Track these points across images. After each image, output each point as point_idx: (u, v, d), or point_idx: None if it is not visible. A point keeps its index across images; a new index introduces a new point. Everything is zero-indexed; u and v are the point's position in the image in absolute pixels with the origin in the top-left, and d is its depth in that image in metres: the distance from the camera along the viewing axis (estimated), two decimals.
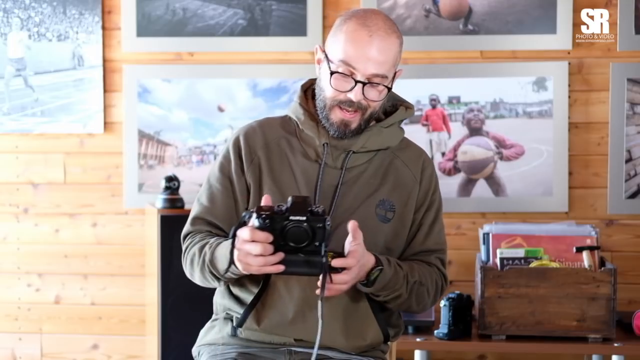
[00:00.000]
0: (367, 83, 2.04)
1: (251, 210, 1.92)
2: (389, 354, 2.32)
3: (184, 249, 2.14)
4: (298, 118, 2.15)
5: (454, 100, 3.53)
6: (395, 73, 2.11)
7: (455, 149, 3.54)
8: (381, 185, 2.13)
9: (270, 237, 1.88)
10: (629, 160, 3.47)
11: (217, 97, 3.63)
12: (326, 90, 2.07)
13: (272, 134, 2.16)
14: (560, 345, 2.96)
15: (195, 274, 2.11)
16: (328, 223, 1.88)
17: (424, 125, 3.55)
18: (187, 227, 2.16)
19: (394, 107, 2.20)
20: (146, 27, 3.63)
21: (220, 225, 2.13)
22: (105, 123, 3.68)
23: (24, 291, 3.77)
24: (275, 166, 2.12)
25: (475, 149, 3.54)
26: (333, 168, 2.12)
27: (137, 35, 3.63)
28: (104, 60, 3.67)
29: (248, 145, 2.14)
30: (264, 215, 1.88)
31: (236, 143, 2.15)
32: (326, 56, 2.08)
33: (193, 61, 3.64)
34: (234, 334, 2.12)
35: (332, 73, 2.04)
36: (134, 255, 3.68)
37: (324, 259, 1.89)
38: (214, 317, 2.21)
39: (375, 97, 2.07)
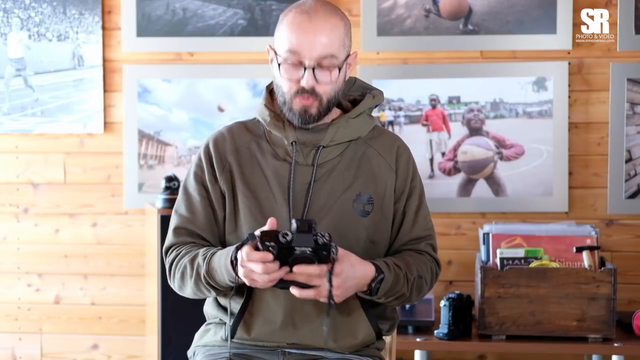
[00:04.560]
0: (316, 67, 2.04)
1: (254, 233, 1.92)
2: (388, 354, 2.32)
3: (169, 261, 2.13)
4: (264, 119, 2.14)
5: (454, 100, 3.53)
6: (348, 56, 2.10)
7: (455, 149, 3.54)
8: (356, 178, 2.11)
9: (270, 256, 1.89)
10: (629, 160, 3.47)
11: (217, 97, 3.63)
12: (283, 85, 2.07)
13: (241, 138, 2.15)
14: (560, 345, 2.96)
15: (186, 287, 2.10)
16: (334, 251, 1.89)
17: (424, 125, 3.55)
18: (170, 239, 2.15)
19: (363, 95, 2.19)
20: (146, 27, 3.63)
21: (203, 235, 2.13)
22: (105, 123, 3.68)
23: (24, 291, 3.77)
24: (246, 170, 2.11)
25: (475, 149, 3.54)
26: (304, 165, 2.10)
27: (137, 35, 3.63)
28: (104, 60, 3.67)
29: (218, 152, 2.13)
30: (270, 248, 1.88)
31: (207, 151, 2.15)
32: (274, 52, 2.08)
33: (193, 61, 3.64)
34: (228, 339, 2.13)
35: (279, 64, 2.05)
36: (134, 255, 3.68)
37: (328, 284, 1.91)
38: (208, 321, 2.22)
39: (328, 79, 2.06)
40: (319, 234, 1.89)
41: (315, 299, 1.95)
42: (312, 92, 2.05)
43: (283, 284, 1.93)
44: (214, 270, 2.02)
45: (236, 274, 1.95)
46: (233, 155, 2.13)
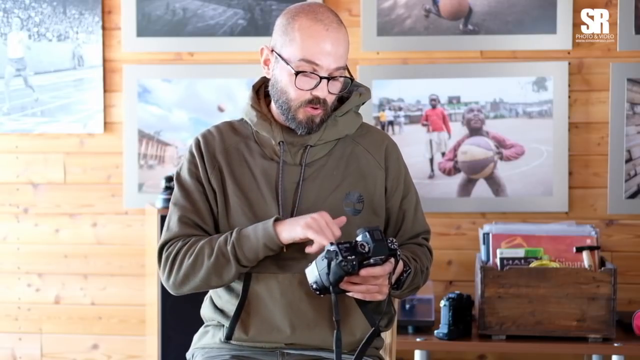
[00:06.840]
0: (331, 78, 2.04)
1: (334, 242, 1.95)
2: (388, 354, 2.32)
3: (174, 251, 2.08)
4: (251, 120, 2.15)
5: (454, 100, 3.53)
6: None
7: (455, 149, 3.54)
8: (345, 177, 2.12)
9: (344, 219, 2.02)
10: (629, 160, 3.47)
11: (217, 97, 3.63)
12: (289, 92, 2.06)
13: (229, 139, 2.16)
14: (560, 345, 2.96)
15: (197, 273, 2.05)
16: (399, 254, 1.97)
17: (424, 125, 3.55)
18: (173, 230, 2.11)
19: (350, 93, 2.18)
20: (146, 27, 3.63)
21: (206, 228, 2.11)
22: (105, 123, 3.68)
23: (24, 291, 3.77)
24: (236, 170, 2.12)
25: (475, 149, 3.54)
26: (292, 165, 2.11)
27: (137, 35, 3.63)
28: (104, 60, 3.67)
29: (209, 151, 2.13)
30: (353, 262, 1.91)
31: (198, 148, 2.14)
32: (280, 57, 2.06)
33: (193, 61, 3.64)
34: (226, 341, 2.12)
35: (296, 73, 2.03)
36: (134, 255, 3.68)
37: (389, 287, 1.99)
38: (206, 323, 2.21)
39: (338, 90, 2.08)
40: (388, 241, 1.94)
41: (373, 299, 2.00)
42: (322, 102, 2.06)
43: (338, 289, 1.95)
44: (246, 237, 2.01)
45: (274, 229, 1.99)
46: (222, 155, 2.13)
